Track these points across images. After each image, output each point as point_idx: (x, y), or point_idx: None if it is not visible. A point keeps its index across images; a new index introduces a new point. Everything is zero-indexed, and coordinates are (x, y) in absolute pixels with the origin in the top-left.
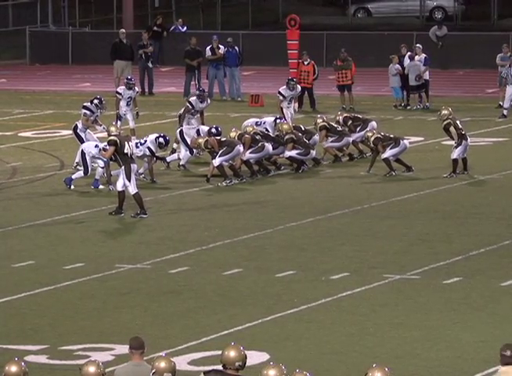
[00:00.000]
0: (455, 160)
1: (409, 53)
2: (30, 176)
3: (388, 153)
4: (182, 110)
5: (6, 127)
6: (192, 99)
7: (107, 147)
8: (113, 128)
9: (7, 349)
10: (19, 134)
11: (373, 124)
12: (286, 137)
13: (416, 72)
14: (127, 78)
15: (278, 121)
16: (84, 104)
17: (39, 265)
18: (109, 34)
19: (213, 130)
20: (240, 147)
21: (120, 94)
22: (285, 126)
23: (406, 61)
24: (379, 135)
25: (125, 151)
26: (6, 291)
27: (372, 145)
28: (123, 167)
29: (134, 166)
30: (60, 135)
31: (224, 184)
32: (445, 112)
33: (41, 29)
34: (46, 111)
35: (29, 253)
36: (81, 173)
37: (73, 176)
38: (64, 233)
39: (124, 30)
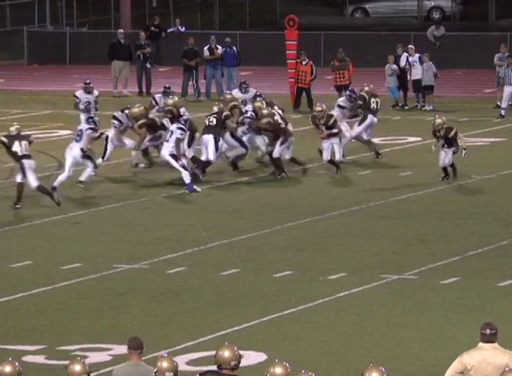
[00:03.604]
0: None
1: (405, 54)
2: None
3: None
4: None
5: (4, 127)
6: (157, 95)
7: None
8: (12, 128)
9: (5, 349)
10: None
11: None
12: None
13: (431, 72)
14: (85, 82)
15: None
16: (114, 114)
17: (37, 265)
18: (107, 34)
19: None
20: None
21: (77, 98)
22: (257, 104)
23: (403, 61)
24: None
25: (14, 150)
26: (4, 291)
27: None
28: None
29: (28, 162)
30: (58, 135)
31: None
32: (439, 121)
33: (39, 29)
34: (44, 111)
35: (26, 253)
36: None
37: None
38: (62, 233)
39: (121, 31)
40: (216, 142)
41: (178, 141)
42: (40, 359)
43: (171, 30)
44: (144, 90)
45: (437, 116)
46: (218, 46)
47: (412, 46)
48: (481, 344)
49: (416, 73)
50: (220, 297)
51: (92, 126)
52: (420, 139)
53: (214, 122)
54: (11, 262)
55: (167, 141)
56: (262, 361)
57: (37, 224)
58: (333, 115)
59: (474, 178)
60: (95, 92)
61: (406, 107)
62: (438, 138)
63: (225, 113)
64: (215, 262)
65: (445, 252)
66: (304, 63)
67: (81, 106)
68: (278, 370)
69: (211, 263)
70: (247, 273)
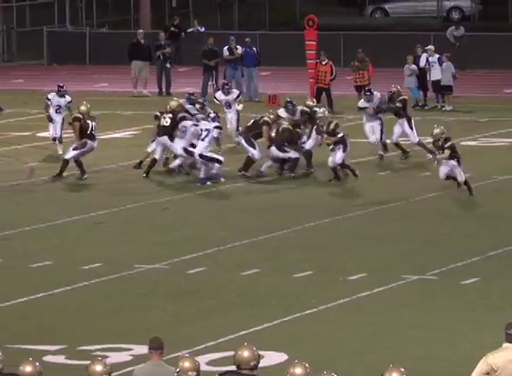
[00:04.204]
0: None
1: (425, 54)
2: (47, 176)
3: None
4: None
5: (24, 127)
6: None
7: None
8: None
9: (25, 349)
10: (37, 134)
11: None
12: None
13: (449, 72)
14: (58, 85)
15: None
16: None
17: (57, 265)
18: (127, 34)
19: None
20: None
21: (49, 100)
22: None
23: (422, 61)
24: None
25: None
26: (24, 291)
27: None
28: None
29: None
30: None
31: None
32: (437, 131)
33: (59, 29)
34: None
35: (47, 253)
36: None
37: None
38: (82, 233)
39: (141, 31)
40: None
41: (214, 140)
42: (60, 359)
43: (191, 30)
44: (164, 90)
45: (435, 125)
46: (238, 46)
47: (432, 47)
48: (505, 344)
49: (436, 74)
50: (240, 297)
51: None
52: None
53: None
54: (31, 261)
55: (203, 140)
56: (283, 361)
57: (57, 224)
58: (333, 121)
59: (495, 179)
60: (67, 98)
61: (426, 107)
62: (437, 148)
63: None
64: (236, 262)
65: (466, 252)
66: (323, 63)
67: (51, 109)
68: (298, 370)
69: (232, 263)
70: (268, 273)
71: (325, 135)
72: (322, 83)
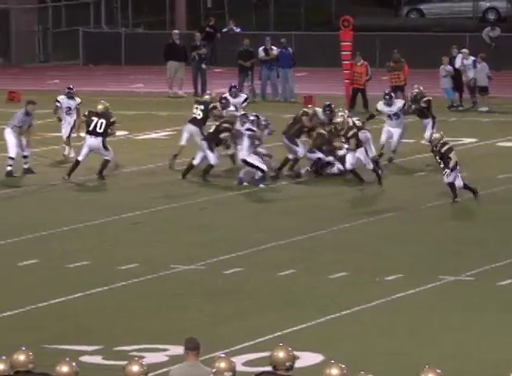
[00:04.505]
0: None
1: (460, 55)
2: (84, 177)
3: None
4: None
5: (60, 128)
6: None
7: None
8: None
9: (62, 350)
10: (73, 135)
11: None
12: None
13: (484, 73)
14: (68, 87)
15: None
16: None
17: (94, 265)
18: (162, 35)
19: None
20: None
21: (59, 102)
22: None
23: (457, 62)
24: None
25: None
26: (61, 292)
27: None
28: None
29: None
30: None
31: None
32: (436, 136)
33: (95, 30)
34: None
35: (84, 253)
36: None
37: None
38: (120, 233)
39: (177, 31)
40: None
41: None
42: (97, 359)
43: (226, 30)
44: (199, 91)
45: (434, 130)
46: (273, 47)
47: (466, 50)
48: None
49: (470, 76)
50: (276, 298)
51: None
52: (475, 140)
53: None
54: (69, 262)
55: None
56: (318, 362)
57: (95, 224)
58: (352, 127)
59: None
60: (77, 99)
61: (461, 108)
62: (435, 153)
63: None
64: (272, 263)
65: (502, 253)
66: (359, 63)
67: (62, 112)
68: (334, 371)
69: (268, 264)
70: (303, 274)
71: (341, 140)
72: (358, 84)
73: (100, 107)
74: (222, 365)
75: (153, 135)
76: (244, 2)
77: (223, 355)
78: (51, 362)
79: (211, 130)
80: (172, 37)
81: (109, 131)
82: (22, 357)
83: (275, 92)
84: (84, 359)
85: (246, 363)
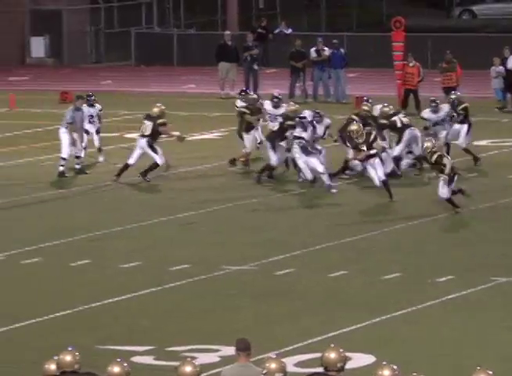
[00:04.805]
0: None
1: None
2: (136, 177)
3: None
4: None
5: (112, 128)
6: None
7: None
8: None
9: (114, 350)
10: (125, 135)
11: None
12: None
13: None
14: (87, 95)
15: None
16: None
17: (146, 265)
18: (214, 35)
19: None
20: None
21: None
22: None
23: (509, 63)
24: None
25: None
26: (113, 292)
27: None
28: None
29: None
30: (166, 136)
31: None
32: (428, 144)
33: (147, 30)
34: None
35: (136, 254)
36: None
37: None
38: (171, 233)
39: (229, 32)
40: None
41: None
42: (149, 359)
43: (278, 31)
44: (251, 91)
45: (426, 139)
46: (325, 48)
47: None
48: None
49: None
50: (328, 298)
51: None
52: None
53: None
54: (121, 262)
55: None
56: (370, 363)
57: (147, 224)
58: (371, 132)
59: None
60: (97, 106)
61: (506, 109)
62: (428, 162)
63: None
64: (324, 264)
65: None
66: (411, 64)
67: (85, 120)
68: (386, 372)
69: (320, 265)
70: (356, 275)
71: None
72: (410, 84)
73: (155, 110)
74: (273, 366)
75: (205, 136)
76: (296, 3)
77: (273, 355)
78: (103, 362)
79: (275, 129)
80: (224, 38)
81: (161, 131)
82: (68, 358)
83: (326, 93)
84: (136, 359)
85: (298, 364)
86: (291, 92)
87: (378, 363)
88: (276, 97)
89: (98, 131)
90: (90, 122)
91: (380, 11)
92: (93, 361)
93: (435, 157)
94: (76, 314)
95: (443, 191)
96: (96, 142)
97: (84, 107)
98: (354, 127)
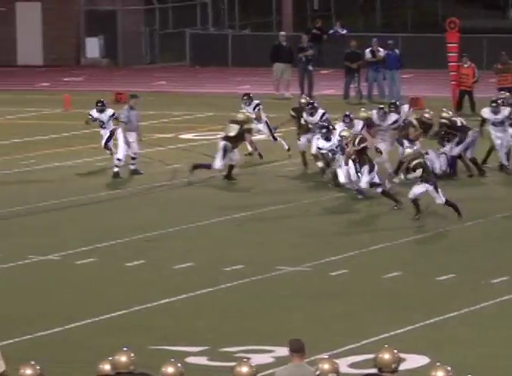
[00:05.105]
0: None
1: None
2: (189, 178)
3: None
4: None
5: (167, 129)
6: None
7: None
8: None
9: (168, 350)
10: (180, 136)
11: None
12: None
13: None
14: (97, 101)
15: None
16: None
17: (200, 266)
18: (269, 36)
19: None
20: None
21: (91, 117)
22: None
23: None
24: None
25: None
26: (168, 293)
27: None
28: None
29: None
30: (218, 137)
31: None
32: (409, 151)
33: (201, 31)
34: (206, 113)
35: (190, 254)
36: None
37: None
38: (224, 234)
39: (283, 33)
40: None
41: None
42: (203, 360)
43: (333, 32)
44: (306, 92)
45: (408, 145)
46: (380, 49)
47: None
48: None
49: None
50: (382, 299)
51: None
52: None
53: None
54: (175, 263)
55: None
56: (424, 364)
57: (200, 225)
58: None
59: None
60: (109, 111)
61: None
62: (405, 169)
63: None
64: (378, 265)
65: None
66: (465, 65)
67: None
68: (440, 373)
69: (374, 266)
70: (410, 276)
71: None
72: (465, 85)
73: (240, 116)
74: (326, 366)
75: (261, 137)
76: (351, 4)
77: (326, 356)
78: (157, 363)
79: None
80: (279, 38)
81: (245, 137)
82: (124, 358)
83: (381, 94)
84: (190, 360)
85: (352, 365)
86: (346, 92)
87: (432, 364)
88: (347, 115)
89: (111, 135)
90: (102, 127)
91: (436, 12)
92: (147, 362)
93: (414, 163)
94: (130, 315)
95: (413, 191)
96: (115, 150)
97: (95, 113)
98: (345, 133)
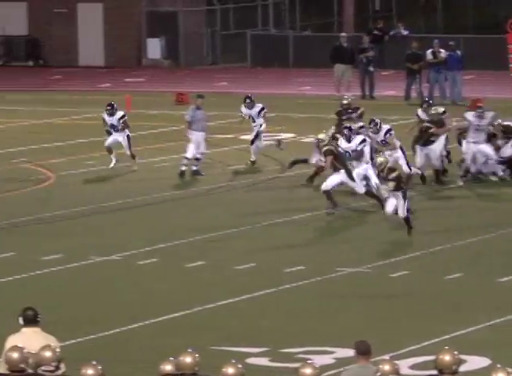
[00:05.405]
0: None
1: None
2: (251, 179)
3: None
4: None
5: (227, 129)
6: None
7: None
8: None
9: (229, 351)
10: (240, 137)
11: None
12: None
13: None
14: (107, 105)
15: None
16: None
17: (261, 267)
18: (330, 37)
19: None
20: None
21: (104, 120)
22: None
23: None
24: None
25: None
26: (229, 293)
27: None
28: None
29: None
30: (281, 138)
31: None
32: (380, 159)
33: (262, 32)
34: (267, 114)
35: (251, 255)
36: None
37: None
38: (285, 235)
39: (344, 34)
40: None
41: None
42: (263, 361)
43: (394, 33)
44: (367, 93)
45: (378, 154)
46: (442, 50)
47: None
48: None
49: None
50: (444, 301)
51: None
52: None
53: None
54: (236, 263)
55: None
56: (485, 366)
57: (262, 225)
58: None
59: None
60: (119, 113)
61: None
62: (383, 179)
63: None
64: (439, 266)
65: None
66: None
67: (108, 128)
68: (500, 375)
69: (435, 267)
70: (472, 278)
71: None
72: None
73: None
74: (386, 368)
75: (321, 137)
76: (412, 5)
77: (387, 357)
78: (218, 363)
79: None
80: (340, 39)
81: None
82: (189, 359)
83: (442, 95)
84: (251, 360)
85: (414, 367)
86: (407, 94)
87: (493, 366)
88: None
89: (128, 138)
90: (115, 130)
91: (497, 13)
92: (209, 362)
93: (394, 175)
94: (192, 315)
95: (392, 205)
96: (127, 150)
97: (106, 117)
98: (321, 135)
